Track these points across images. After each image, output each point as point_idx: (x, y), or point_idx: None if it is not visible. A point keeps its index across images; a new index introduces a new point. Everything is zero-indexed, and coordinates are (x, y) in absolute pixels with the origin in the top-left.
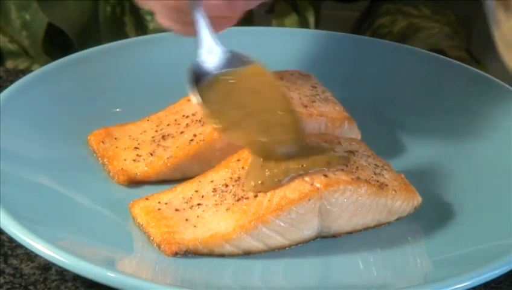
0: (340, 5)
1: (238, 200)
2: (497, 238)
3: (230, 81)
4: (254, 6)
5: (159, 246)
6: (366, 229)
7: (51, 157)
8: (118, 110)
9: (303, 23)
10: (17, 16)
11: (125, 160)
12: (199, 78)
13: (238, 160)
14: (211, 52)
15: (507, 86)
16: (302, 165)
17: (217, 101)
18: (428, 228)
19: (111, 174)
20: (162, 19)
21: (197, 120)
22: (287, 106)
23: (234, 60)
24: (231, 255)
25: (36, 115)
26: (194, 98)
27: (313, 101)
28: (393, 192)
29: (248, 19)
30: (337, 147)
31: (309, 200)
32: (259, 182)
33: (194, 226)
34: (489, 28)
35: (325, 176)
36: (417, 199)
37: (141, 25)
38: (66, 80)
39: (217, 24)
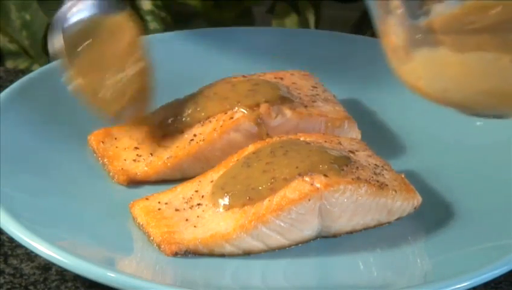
0: (340, 5)
1: None
2: (497, 238)
3: (90, 31)
4: None
5: (159, 246)
6: (366, 229)
7: (51, 157)
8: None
9: (303, 23)
10: (17, 16)
11: (125, 160)
12: (64, 24)
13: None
14: None
15: None
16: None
17: (75, 52)
18: (428, 228)
19: (111, 174)
20: None
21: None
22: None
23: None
24: (231, 255)
25: (36, 115)
26: (56, 44)
27: (313, 101)
28: (393, 192)
29: (248, 19)
30: (337, 147)
31: (309, 200)
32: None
33: (194, 226)
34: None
35: (325, 176)
36: (417, 199)
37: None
38: None
39: None
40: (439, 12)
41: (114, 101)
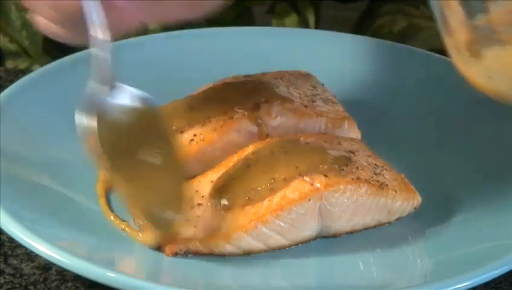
0: (340, 5)
1: None
2: (497, 238)
3: (123, 121)
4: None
5: (159, 246)
6: (366, 229)
7: (51, 157)
8: None
9: (303, 23)
10: (17, 16)
11: None
12: (91, 109)
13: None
14: (104, 83)
15: None
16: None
17: (107, 140)
18: (428, 228)
19: None
20: (46, 23)
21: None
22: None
23: (125, 95)
24: (231, 255)
25: (36, 115)
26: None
27: (313, 101)
28: (393, 192)
29: (248, 19)
30: (337, 147)
31: (309, 200)
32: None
33: (194, 226)
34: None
35: (325, 176)
36: (417, 199)
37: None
38: (66, 80)
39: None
40: (497, 10)
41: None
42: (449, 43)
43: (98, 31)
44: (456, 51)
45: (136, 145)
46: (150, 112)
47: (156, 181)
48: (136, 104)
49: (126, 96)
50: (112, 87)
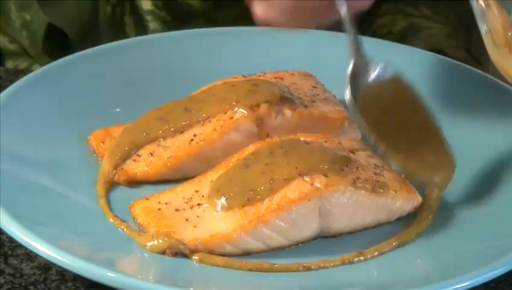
0: None
1: None
2: (497, 238)
3: (380, 93)
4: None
5: None
6: (366, 229)
7: (51, 157)
8: (118, 110)
9: None
10: (17, 16)
11: (125, 160)
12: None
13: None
14: (359, 57)
15: (507, 86)
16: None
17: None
18: (428, 228)
19: None
20: (267, 11)
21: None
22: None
23: (377, 69)
24: (231, 255)
25: (36, 115)
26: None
27: (313, 101)
28: (394, 192)
29: (248, 19)
30: (337, 147)
31: (309, 200)
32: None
33: (194, 226)
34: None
35: (325, 176)
36: (417, 199)
37: (141, 25)
38: (66, 80)
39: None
40: None
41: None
42: (488, 39)
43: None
44: (494, 47)
45: (393, 114)
46: (399, 82)
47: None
48: (388, 75)
49: (379, 68)
50: (366, 60)
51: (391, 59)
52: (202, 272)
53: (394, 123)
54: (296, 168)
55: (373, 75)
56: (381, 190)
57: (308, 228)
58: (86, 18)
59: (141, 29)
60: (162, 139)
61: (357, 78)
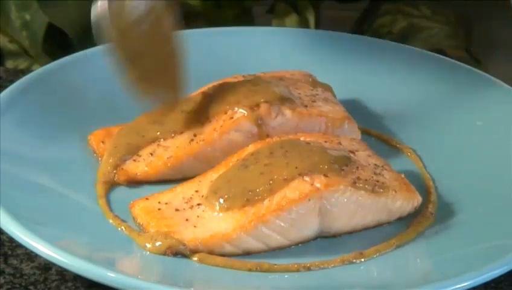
0: (340, 5)
1: None
2: (497, 238)
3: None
4: None
5: None
6: (366, 229)
7: (51, 157)
8: (118, 110)
9: (303, 23)
10: (17, 16)
11: (125, 160)
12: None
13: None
14: None
15: (507, 86)
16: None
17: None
18: (428, 228)
19: None
20: None
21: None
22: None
23: None
24: (231, 255)
25: (36, 115)
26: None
27: (313, 101)
28: (394, 192)
29: (248, 19)
30: (337, 147)
31: (309, 200)
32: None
33: (194, 226)
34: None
35: (325, 176)
36: (417, 199)
37: None
38: (66, 80)
39: None
40: None
41: (150, 82)
42: None
43: None
44: None
45: (143, 37)
46: (159, 8)
47: (159, 65)
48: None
49: None
50: None
51: (391, 59)
52: (202, 272)
53: (140, 44)
54: (296, 168)
55: None
56: (381, 190)
57: (308, 228)
58: (86, 18)
59: None
60: (162, 139)
61: None
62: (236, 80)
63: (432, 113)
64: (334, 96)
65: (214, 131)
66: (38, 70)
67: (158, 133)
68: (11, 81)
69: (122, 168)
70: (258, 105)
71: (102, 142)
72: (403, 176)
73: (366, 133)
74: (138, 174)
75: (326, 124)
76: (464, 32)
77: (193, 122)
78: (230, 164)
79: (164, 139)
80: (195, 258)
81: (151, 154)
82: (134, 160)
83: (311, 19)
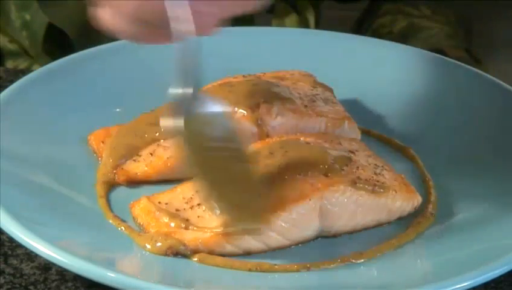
0: (340, 5)
1: None
2: (497, 238)
3: (204, 126)
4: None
5: None
6: (366, 229)
7: (51, 157)
8: (118, 110)
9: (303, 23)
10: (17, 16)
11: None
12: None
13: None
14: (188, 85)
15: (507, 86)
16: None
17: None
18: (428, 228)
19: None
20: (113, 20)
21: None
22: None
23: (204, 103)
24: (231, 255)
25: (36, 115)
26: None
27: (313, 101)
28: (394, 192)
29: (248, 19)
30: (337, 147)
31: (309, 200)
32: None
33: (195, 227)
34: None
35: (326, 176)
36: (417, 199)
37: None
38: (66, 80)
39: (201, 25)
40: None
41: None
42: None
43: (183, 29)
44: None
45: (216, 152)
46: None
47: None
48: (215, 111)
49: (207, 102)
50: (196, 90)
51: (391, 59)
52: (202, 272)
53: (216, 166)
54: (296, 168)
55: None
56: (381, 190)
57: (309, 228)
58: (86, 18)
59: None
60: (162, 139)
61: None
62: (236, 80)
63: (432, 113)
64: (334, 96)
65: None
66: (38, 70)
67: (157, 133)
68: (11, 81)
69: (122, 168)
70: (258, 105)
71: (102, 142)
72: (403, 176)
73: (366, 133)
74: (138, 174)
75: (326, 124)
76: (464, 32)
77: None
78: None
79: (164, 139)
80: (195, 258)
81: (151, 154)
82: (134, 160)
83: (311, 19)
